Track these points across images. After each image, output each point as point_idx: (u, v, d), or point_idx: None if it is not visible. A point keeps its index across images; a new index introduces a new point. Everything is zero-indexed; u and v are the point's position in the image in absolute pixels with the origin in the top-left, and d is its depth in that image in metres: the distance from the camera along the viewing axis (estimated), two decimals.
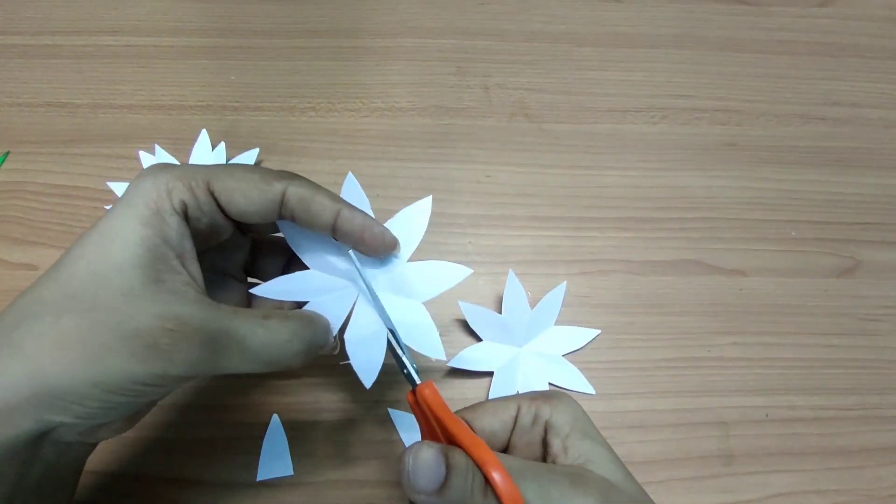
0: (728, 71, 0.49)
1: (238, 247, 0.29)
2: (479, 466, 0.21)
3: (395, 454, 0.34)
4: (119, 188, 0.41)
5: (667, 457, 0.35)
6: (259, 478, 0.33)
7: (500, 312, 0.37)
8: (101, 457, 0.33)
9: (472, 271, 0.27)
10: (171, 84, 0.46)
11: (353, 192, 0.27)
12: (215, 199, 0.23)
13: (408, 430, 0.34)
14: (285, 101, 0.46)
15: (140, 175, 0.23)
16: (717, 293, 0.40)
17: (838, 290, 0.41)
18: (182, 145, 0.43)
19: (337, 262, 0.27)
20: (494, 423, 0.25)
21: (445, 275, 0.27)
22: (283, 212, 0.24)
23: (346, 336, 0.26)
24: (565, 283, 0.38)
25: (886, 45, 0.51)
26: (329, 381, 0.36)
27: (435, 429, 0.23)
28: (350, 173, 0.28)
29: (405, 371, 0.25)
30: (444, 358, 0.26)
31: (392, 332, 0.26)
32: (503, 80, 0.47)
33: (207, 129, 0.43)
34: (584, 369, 0.37)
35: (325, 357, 0.36)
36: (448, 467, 0.20)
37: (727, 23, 0.51)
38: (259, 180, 0.24)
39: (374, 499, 0.33)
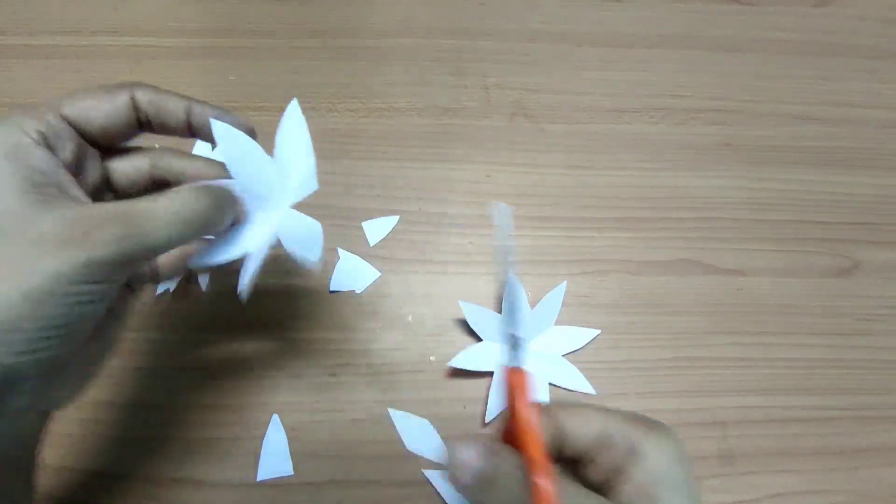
0: (726, 71, 0.49)
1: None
2: (529, 472, 0.20)
3: (395, 454, 0.34)
4: None
5: None
6: (259, 478, 0.33)
7: (500, 312, 0.37)
8: (100, 456, 0.33)
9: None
10: (171, 84, 0.45)
11: (293, 121, 0.27)
12: (72, 125, 0.23)
13: (408, 429, 0.35)
14: (285, 101, 0.45)
15: None
16: (715, 293, 0.40)
17: (837, 290, 0.41)
18: (182, 145, 0.43)
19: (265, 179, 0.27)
20: (586, 432, 0.23)
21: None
22: (139, 117, 0.25)
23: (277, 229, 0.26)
24: (565, 283, 0.38)
25: (885, 45, 0.51)
26: (329, 381, 0.36)
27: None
28: (295, 99, 0.28)
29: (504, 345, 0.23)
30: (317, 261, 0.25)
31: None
32: (502, 80, 0.47)
33: None
34: (584, 369, 0.37)
35: (323, 357, 0.36)
36: (493, 474, 0.20)
37: (726, 23, 0.51)
38: (104, 92, 0.24)
39: (374, 499, 0.33)
